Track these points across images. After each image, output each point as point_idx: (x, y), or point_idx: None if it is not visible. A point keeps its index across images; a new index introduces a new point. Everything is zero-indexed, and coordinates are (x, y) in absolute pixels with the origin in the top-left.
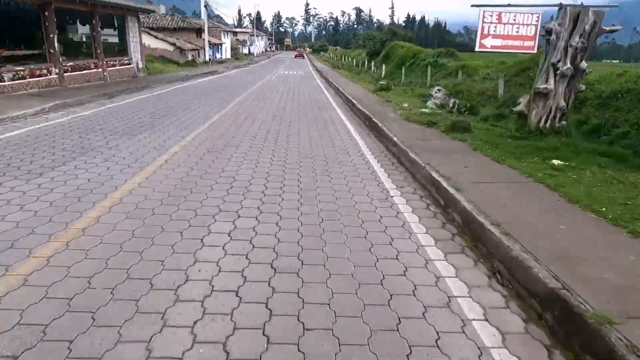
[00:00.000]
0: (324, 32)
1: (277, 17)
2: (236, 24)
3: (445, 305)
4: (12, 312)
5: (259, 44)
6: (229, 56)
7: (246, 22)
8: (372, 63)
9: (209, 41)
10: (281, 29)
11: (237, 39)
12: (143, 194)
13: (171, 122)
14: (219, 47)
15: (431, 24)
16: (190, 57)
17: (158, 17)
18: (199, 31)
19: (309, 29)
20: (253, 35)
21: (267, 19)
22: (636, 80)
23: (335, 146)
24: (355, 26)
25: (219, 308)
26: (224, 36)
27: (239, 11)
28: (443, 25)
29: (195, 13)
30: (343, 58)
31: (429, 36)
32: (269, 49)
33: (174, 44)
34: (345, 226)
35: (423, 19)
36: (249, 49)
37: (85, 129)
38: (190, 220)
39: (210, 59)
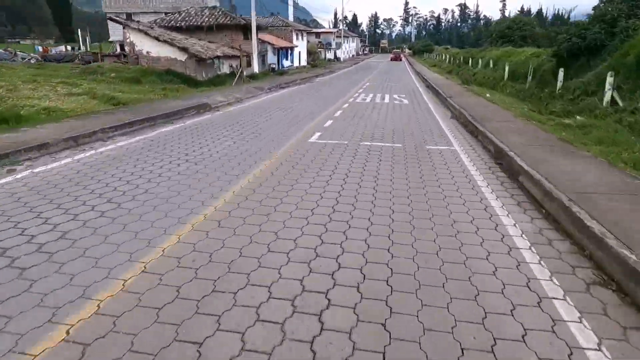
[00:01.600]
0: (424, 33)
1: (374, 18)
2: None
3: None
4: None
5: (348, 47)
6: (303, 63)
7: (342, 25)
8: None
9: (272, 44)
10: (378, 31)
11: (320, 42)
12: None
13: None
14: (288, 52)
15: (550, 16)
16: (224, 69)
17: (184, 13)
18: (245, 29)
19: (408, 29)
20: (340, 37)
21: (364, 21)
22: None
23: None
24: (459, 24)
25: None
26: (298, 37)
27: (335, 14)
28: (566, 17)
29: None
30: (472, 63)
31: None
32: (361, 52)
33: (185, 49)
34: None
35: (540, 11)
36: (334, 53)
37: None
38: None
39: (271, 67)
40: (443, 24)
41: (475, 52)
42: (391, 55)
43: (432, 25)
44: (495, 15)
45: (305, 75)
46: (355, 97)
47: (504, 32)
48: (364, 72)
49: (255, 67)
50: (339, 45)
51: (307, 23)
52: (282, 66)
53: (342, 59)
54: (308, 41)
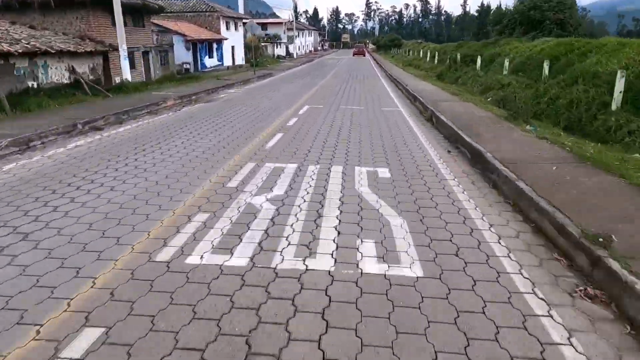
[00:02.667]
0: (386, 28)
1: (335, 12)
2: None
3: None
4: None
5: (305, 42)
6: (240, 61)
7: (302, 19)
8: None
9: (183, 35)
10: (339, 26)
11: (267, 35)
12: None
13: None
14: (213, 46)
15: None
16: (53, 76)
17: None
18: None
19: (370, 24)
20: (292, 30)
21: (325, 15)
22: None
23: None
24: (421, 20)
25: None
26: (230, 28)
27: (295, 7)
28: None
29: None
30: (481, 65)
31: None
32: (320, 48)
33: None
34: None
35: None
36: (286, 48)
37: None
38: None
39: (184, 68)
40: (405, 20)
41: (479, 47)
42: (354, 50)
43: (394, 20)
44: (458, 11)
45: (224, 81)
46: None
47: (527, 16)
48: (314, 75)
49: (126, 72)
50: (290, 39)
51: (266, 17)
52: (203, 66)
53: (295, 55)
54: (253, 34)
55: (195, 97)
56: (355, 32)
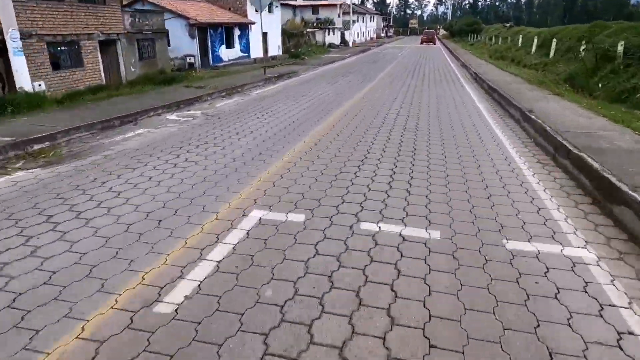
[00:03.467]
0: (458, 13)
1: None
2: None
3: None
4: None
5: (366, 28)
6: (275, 51)
7: (369, 5)
8: None
9: (185, 16)
10: (408, 11)
11: (319, 20)
12: None
13: None
14: (233, 32)
15: None
16: None
17: None
18: None
19: (441, 9)
20: (348, 13)
21: (393, 1)
22: None
23: None
24: (497, 4)
25: None
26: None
27: None
28: None
29: None
30: None
31: (598, 7)
32: (383, 34)
33: None
34: None
35: None
36: (341, 35)
37: None
38: None
39: (188, 63)
40: (480, 4)
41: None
42: (422, 37)
43: (467, 5)
44: None
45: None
46: None
47: None
48: (359, 73)
49: (22, 76)
50: (346, 25)
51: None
52: (217, 59)
53: (351, 43)
54: (295, 17)
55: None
56: (425, 17)
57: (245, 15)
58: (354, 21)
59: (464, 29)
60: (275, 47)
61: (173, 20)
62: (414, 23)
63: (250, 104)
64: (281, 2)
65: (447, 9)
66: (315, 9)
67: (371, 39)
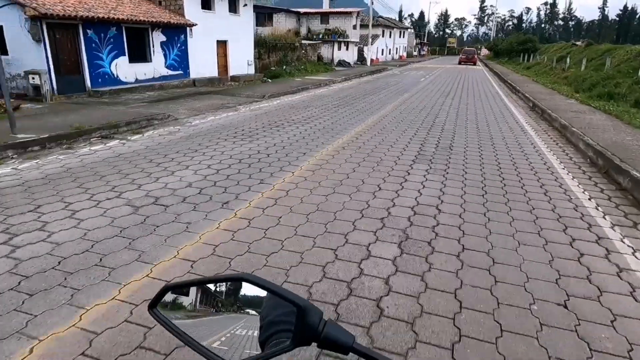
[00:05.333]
0: (500, 34)
1: (444, 16)
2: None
3: None
4: None
5: (393, 44)
6: (244, 70)
7: (407, 23)
8: None
9: (22, 4)
10: (447, 30)
11: (328, 30)
12: None
13: None
14: (143, 38)
15: None
16: None
17: None
18: None
19: (482, 30)
20: (368, 25)
21: (433, 19)
22: None
23: None
24: (544, 25)
25: None
26: (210, 4)
27: (400, 12)
28: None
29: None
30: None
31: None
32: (416, 53)
33: None
34: None
35: None
36: (359, 50)
37: None
38: None
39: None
40: (525, 25)
41: None
42: (460, 57)
43: (511, 26)
44: (589, 16)
45: None
46: None
47: None
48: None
49: None
50: (364, 39)
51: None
52: (110, 80)
53: (369, 61)
54: (300, 27)
55: None
56: (465, 38)
57: (181, 14)
58: (375, 35)
59: (515, 48)
60: (243, 63)
61: (7, 10)
62: (452, 42)
63: None
64: (283, 7)
65: (489, 29)
66: (324, 17)
67: (400, 57)
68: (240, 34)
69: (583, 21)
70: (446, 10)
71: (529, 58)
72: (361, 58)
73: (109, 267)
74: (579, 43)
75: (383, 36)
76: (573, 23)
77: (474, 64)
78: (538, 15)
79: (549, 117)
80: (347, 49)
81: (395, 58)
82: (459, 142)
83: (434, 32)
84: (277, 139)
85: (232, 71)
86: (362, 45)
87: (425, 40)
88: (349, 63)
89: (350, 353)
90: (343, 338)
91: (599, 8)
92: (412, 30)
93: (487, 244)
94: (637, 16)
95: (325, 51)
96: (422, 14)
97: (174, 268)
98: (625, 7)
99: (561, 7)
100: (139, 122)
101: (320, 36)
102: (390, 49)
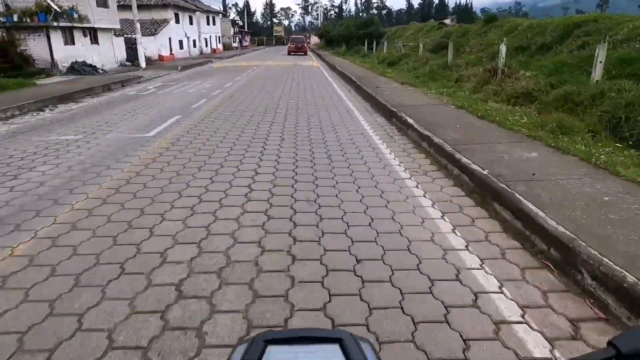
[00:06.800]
0: (325, 22)
1: (269, 6)
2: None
3: None
4: None
5: (195, 33)
6: None
7: (232, 13)
8: None
9: None
10: (275, 20)
11: (43, 3)
12: None
13: None
14: None
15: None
16: None
17: None
18: None
19: (308, 19)
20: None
21: (259, 9)
22: None
23: None
24: (361, 14)
25: None
26: None
27: (224, 1)
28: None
29: None
30: None
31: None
32: (235, 44)
33: None
34: None
35: None
36: (129, 43)
37: None
38: None
39: None
40: (345, 14)
41: None
42: (289, 46)
43: (333, 15)
44: (397, 5)
45: None
46: None
47: None
48: None
49: None
50: (153, 27)
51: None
52: None
53: (159, 59)
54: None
55: None
56: (293, 27)
57: None
58: (163, 21)
59: (354, 34)
60: None
61: None
62: (279, 31)
63: None
64: None
65: (315, 18)
66: None
67: (214, 50)
68: None
69: (392, 10)
70: (271, 1)
71: (375, 46)
72: (135, 55)
73: None
74: (447, 21)
75: (178, 22)
76: (385, 12)
77: (305, 53)
78: (355, 4)
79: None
80: (94, 41)
81: (205, 52)
82: None
83: (261, 22)
84: None
85: None
86: (134, 36)
87: (247, 29)
88: (94, 68)
89: None
90: None
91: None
92: (227, 16)
93: None
94: (434, 4)
95: (36, 46)
96: (247, 4)
97: None
98: None
99: None
100: None
101: (24, 18)
102: (195, 40)
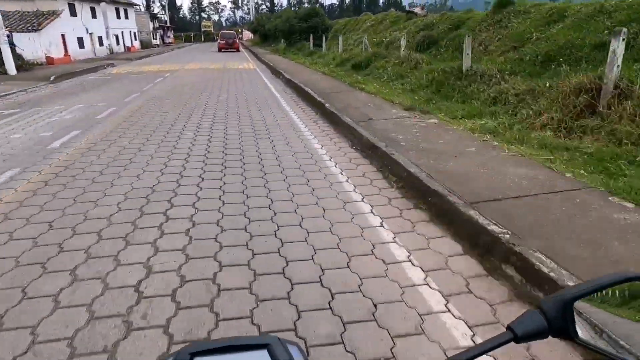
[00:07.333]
0: (257, 16)
1: (197, 1)
2: (144, 10)
3: None
4: None
5: (98, 25)
6: None
7: (156, 8)
8: None
9: None
10: (204, 15)
11: None
12: None
13: None
14: None
15: None
16: None
17: None
18: None
19: (239, 14)
20: None
21: (185, 3)
22: None
23: None
24: (293, 8)
25: None
26: None
27: None
28: None
29: None
30: None
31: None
32: (156, 41)
33: None
34: None
35: None
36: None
37: None
38: None
39: None
40: (277, 9)
41: None
42: (219, 43)
43: (265, 9)
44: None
45: None
46: None
47: None
48: None
49: None
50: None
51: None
52: None
53: (48, 61)
54: None
55: None
56: (223, 22)
57: None
58: (52, 13)
59: (295, 27)
60: None
61: None
62: (208, 26)
63: None
64: None
65: (247, 13)
66: None
67: (128, 48)
68: None
69: (324, 4)
70: None
71: (323, 42)
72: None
73: None
74: (417, 10)
75: (75, 14)
76: (317, 6)
77: (237, 50)
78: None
79: None
80: None
81: (117, 51)
82: None
83: (189, 17)
84: None
85: None
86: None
87: (169, 24)
88: None
89: None
90: None
91: None
92: (142, 9)
93: None
94: None
95: None
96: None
97: None
98: None
99: None
100: None
101: None
102: (100, 37)
